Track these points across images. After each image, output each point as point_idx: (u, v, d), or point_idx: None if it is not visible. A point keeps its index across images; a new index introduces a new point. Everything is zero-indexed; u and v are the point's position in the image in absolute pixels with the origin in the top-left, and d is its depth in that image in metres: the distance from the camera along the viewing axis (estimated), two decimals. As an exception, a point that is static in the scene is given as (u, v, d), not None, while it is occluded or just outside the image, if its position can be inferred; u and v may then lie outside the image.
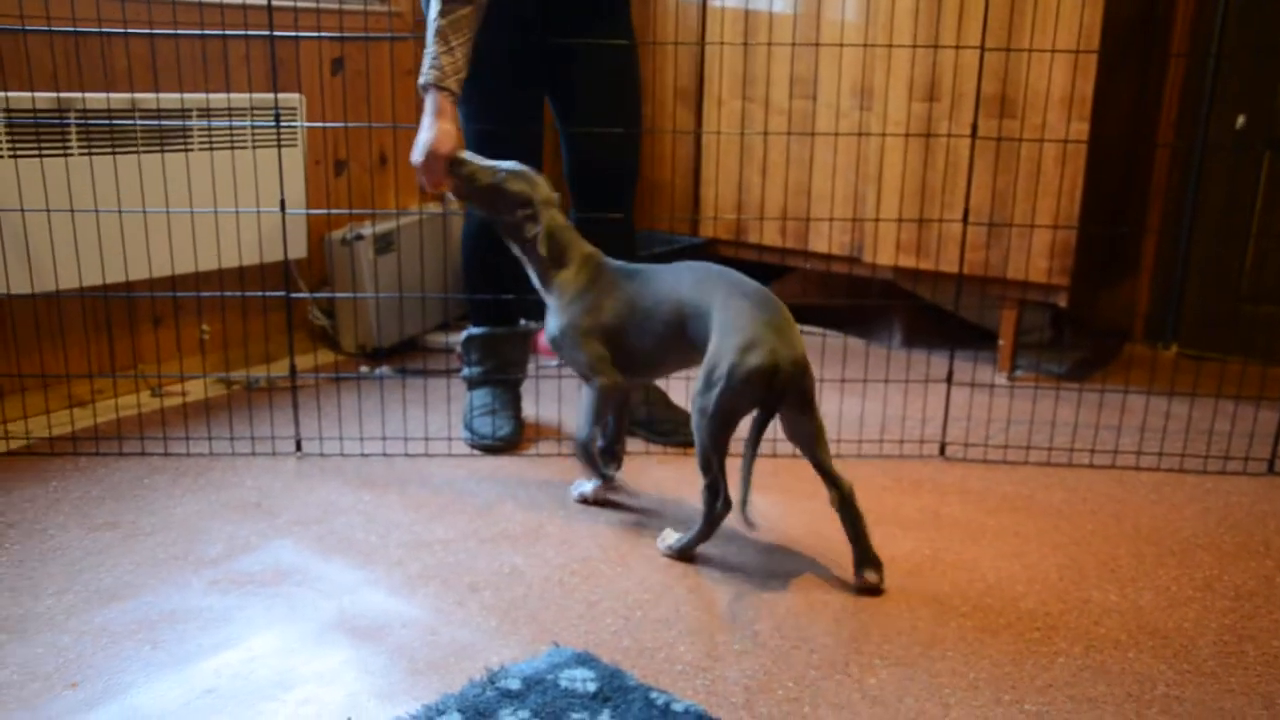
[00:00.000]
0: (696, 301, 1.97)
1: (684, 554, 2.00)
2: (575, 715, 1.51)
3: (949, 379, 2.60)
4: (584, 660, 1.65)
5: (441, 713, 1.51)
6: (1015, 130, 2.94)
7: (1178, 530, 2.19)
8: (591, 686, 1.58)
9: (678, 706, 1.53)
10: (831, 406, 2.86)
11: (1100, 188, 3.01)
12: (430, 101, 2.17)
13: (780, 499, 2.29)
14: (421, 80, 2.17)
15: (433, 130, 2.15)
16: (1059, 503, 2.30)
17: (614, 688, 1.57)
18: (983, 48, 2.48)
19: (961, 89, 3.00)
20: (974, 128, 2.56)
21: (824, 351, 3.33)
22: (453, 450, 2.51)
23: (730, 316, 1.89)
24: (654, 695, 1.56)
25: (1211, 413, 2.87)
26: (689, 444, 2.56)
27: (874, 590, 1.90)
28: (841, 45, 2.85)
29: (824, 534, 2.12)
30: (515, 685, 1.58)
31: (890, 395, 2.98)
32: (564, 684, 1.58)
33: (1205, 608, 1.88)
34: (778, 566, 1.99)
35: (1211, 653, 1.73)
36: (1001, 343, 3.16)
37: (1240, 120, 3.25)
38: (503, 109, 2.41)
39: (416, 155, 2.18)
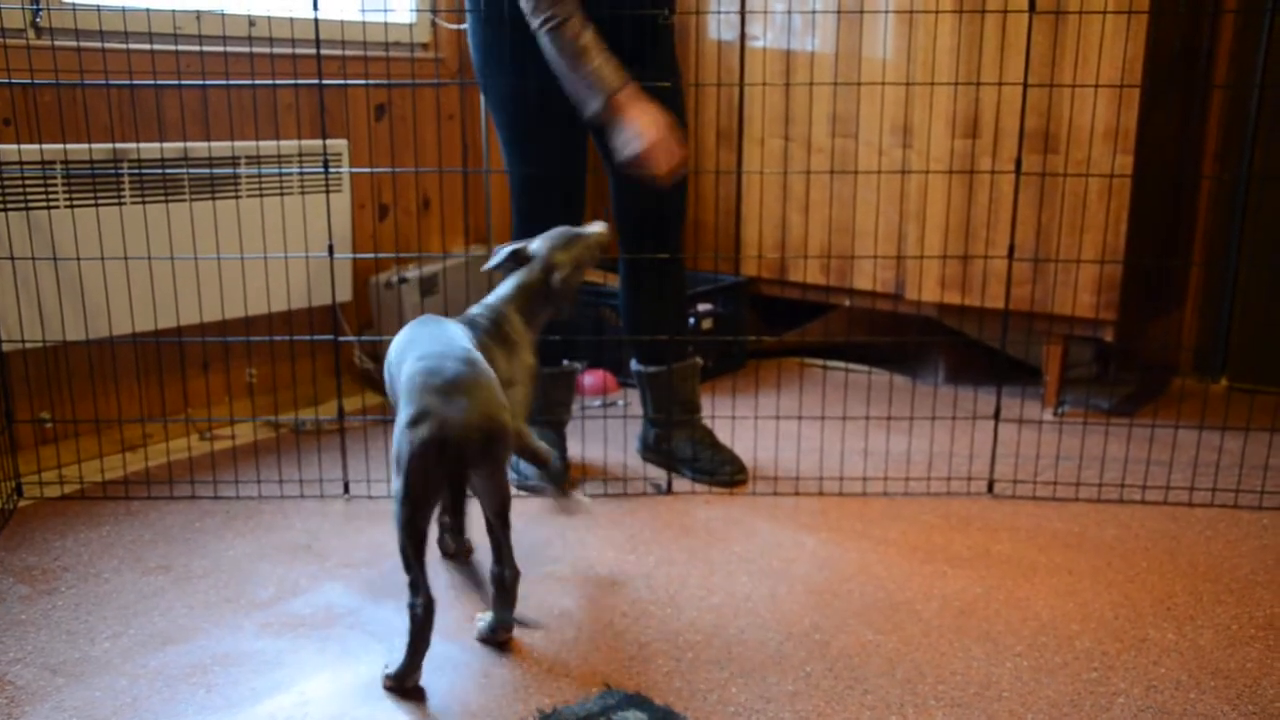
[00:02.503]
0: (393, 372, 1.85)
1: (401, 682, 1.70)
2: (629, 758, 1.50)
3: (996, 415, 2.58)
4: (636, 702, 1.64)
5: (495, 756, 1.51)
6: (1058, 165, 2.93)
7: (1235, 567, 2.15)
8: (644, 729, 1.57)
9: (732, 749, 1.52)
10: (878, 444, 2.84)
11: (1145, 221, 2.99)
12: (629, 94, 2.18)
13: (839, 537, 2.27)
14: (609, 87, 2.17)
15: (651, 110, 2.18)
16: (1111, 539, 2.27)
17: (667, 730, 1.56)
18: (1025, 84, 2.48)
19: (1003, 124, 3.00)
20: (1018, 163, 2.55)
21: (870, 389, 3.32)
22: (499, 491, 2.52)
23: (404, 387, 1.70)
24: (708, 738, 1.54)
25: (1266, 447, 2.82)
26: (732, 483, 2.55)
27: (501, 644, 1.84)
28: (883, 84, 2.86)
29: (874, 574, 2.11)
30: (568, 728, 1.57)
31: (937, 432, 2.96)
32: (617, 726, 1.57)
33: (1268, 647, 1.84)
34: (829, 608, 1.97)
35: (1277, 694, 1.70)
36: (1047, 378, 3.14)
37: (1286, 151, 3.22)
38: (545, 150, 2.43)
39: (650, 134, 2.17)
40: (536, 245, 2.12)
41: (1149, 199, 2.99)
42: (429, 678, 1.72)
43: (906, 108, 3.16)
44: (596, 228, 2.18)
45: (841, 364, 3.61)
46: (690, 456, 2.61)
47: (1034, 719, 1.62)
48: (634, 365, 2.66)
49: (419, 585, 1.65)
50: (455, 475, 1.64)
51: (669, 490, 2.54)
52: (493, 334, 1.99)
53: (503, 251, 2.13)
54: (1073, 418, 3.09)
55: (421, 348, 1.75)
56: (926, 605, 1.98)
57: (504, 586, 1.78)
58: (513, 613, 1.82)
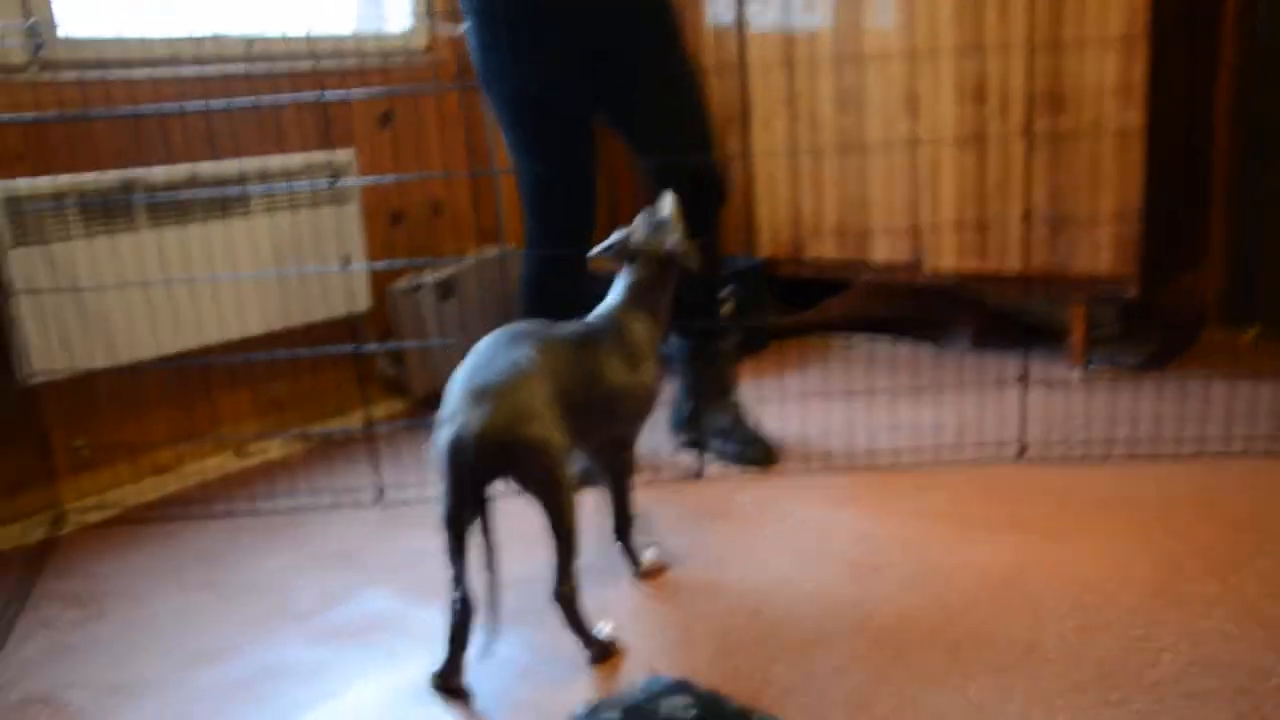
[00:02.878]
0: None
1: (446, 681, 1.71)
2: (679, 744, 1.51)
3: (1023, 379, 2.57)
4: (682, 687, 1.64)
5: (545, 750, 1.52)
6: (1069, 125, 2.90)
7: (1276, 516, 2.13)
8: (692, 713, 1.57)
9: (781, 728, 1.52)
10: (906, 416, 2.83)
11: (1161, 175, 2.96)
12: None
13: (873, 511, 2.27)
14: None
15: None
16: (1147, 497, 2.26)
17: (715, 713, 1.57)
18: (1031, 44, 2.46)
19: (1010, 88, 2.98)
20: (1028, 126, 2.53)
21: (895, 361, 3.31)
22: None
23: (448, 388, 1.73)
24: (755, 718, 1.55)
25: (1297, 393, 2.80)
26: (766, 461, 2.55)
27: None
28: (885, 56, 2.85)
29: (911, 545, 2.10)
30: (616, 716, 1.58)
31: (964, 401, 2.94)
32: (664, 712, 1.58)
33: (1312, 592, 1.83)
34: (868, 581, 1.97)
35: (1324, 638, 1.69)
36: (1073, 339, 3.12)
37: (1299, 94, 3.19)
38: (551, 148, 2.41)
39: None
40: (637, 238, 2.01)
41: (1164, 152, 2.96)
42: (475, 676, 1.73)
43: (911, 77, 3.15)
44: (668, 201, 2.06)
45: (865, 337, 3.59)
46: (725, 431, 2.61)
47: (1080, 679, 1.62)
48: (679, 347, 2.67)
49: (458, 580, 1.67)
50: (474, 480, 1.63)
51: (701, 475, 2.54)
52: (615, 343, 1.91)
53: (607, 242, 2.04)
54: (1101, 377, 3.07)
55: (481, 354, 1.74)
56: (965, 574, 1.98)
57: (556, 602, 1.74)
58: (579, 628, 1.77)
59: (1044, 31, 2.87)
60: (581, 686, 1.69)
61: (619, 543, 2.06)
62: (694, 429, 2.65)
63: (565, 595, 1.72)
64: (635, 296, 1.98)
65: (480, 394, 1.65)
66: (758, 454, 2.57)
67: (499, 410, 1.63)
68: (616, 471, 2.03)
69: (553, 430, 1.67)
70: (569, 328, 1.90)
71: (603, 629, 1.80)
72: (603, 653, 1.77)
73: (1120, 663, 1.66)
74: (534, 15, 2.33)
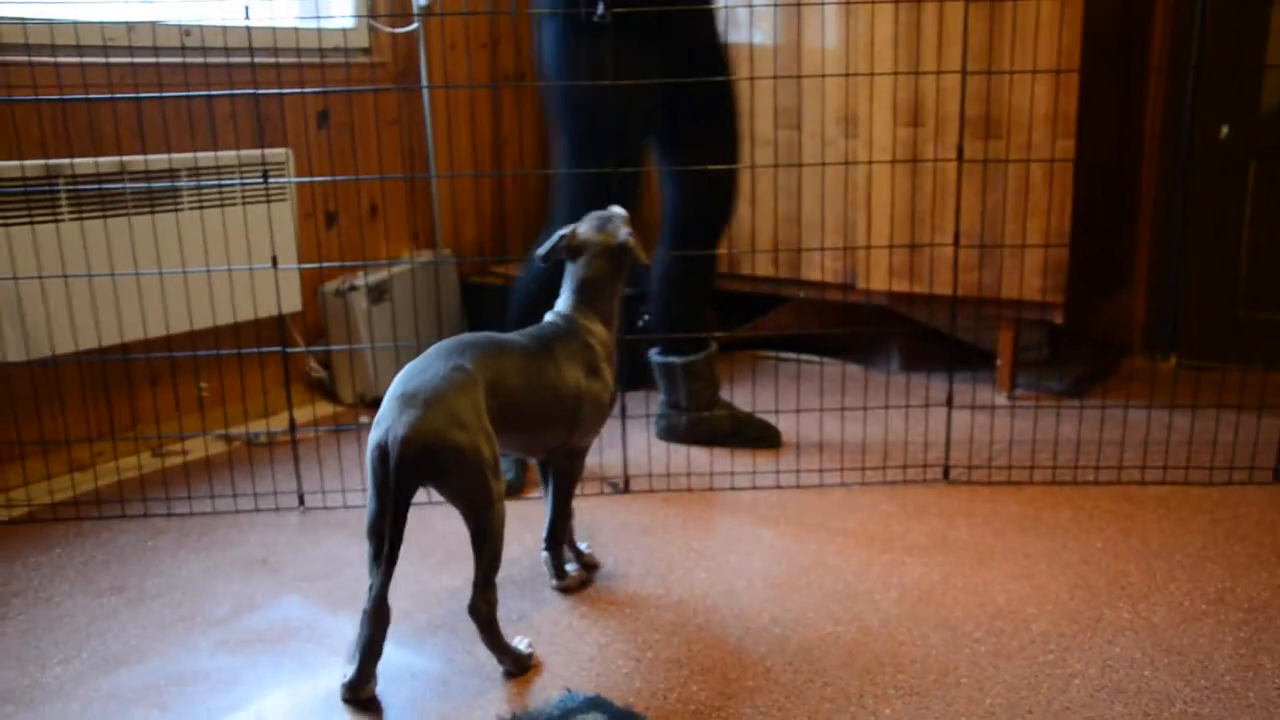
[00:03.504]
0: None
1: (356, 693, 1.68)
2: (590, 762, 1.50)
3: (949, 402, 2.60)
4: (596, 704, 1.63)
5: (455, 766, 1.50)
6: (1001, 151, 2.95)
7: (1187, 544, 2.18)
8: (605, 731, 1.56)
9: (693, 748, 1.52)
10: (834, 434, 2.85)
11: (1090, 203, 3.02)
12: None
13: (797, 530, 2.28)
14: None
15: None
16: (1066, 521, 2.30)
17: (628, 732, 1.56)
18: (964, 71, 2.50)
19: (945, 112, 3.02)
20: (960, 150, 2.57)
21: (823, 380, 3.33)
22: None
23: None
24: (669, 737, 1.54)
25: (1214, 423, 2.86)
26: (779, 445, 2.79)
27: None
28: (824, 76, 2.87)
29: (832, 565, 2.11)
30: (528, 734, 1.56)
31: (891, 421, 2.97)
32: (578, 730, 1.57)
33: (1219, 621, 1.87)
34: (788, 601, 1.98)
35: (1228, 667, 1.72)
36: (1000, 363, 3.16)
37: (1224, 131, 3.27)
38: (617, 157, 2.45)
39: None
40: (584, 231, 2.00)
41: (1092, 182, 3.02)
42: (388, 687, 1.71)
43: (849, 97, 3.17)
44: (615, 208, 2.07)
45: (795, 356, 3.62)
46: (733, 431, 2.79)
47: (991, 704, 1.64)
48: (658, 357, 2.78)
49: (372, 588, 1.64)
50: (398, 486, 1.61)
51: (626, 489, 2.53)
52: (572, 348, 1.91)
53: (552, 239, 2.01)
54: (1026, 401, 3.12)
55: (418, 363, 1.72)
56: (885, 594, 1.99)
57: (472, 616, 1.72)
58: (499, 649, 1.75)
59: (979, 59, 2.91)
60: (495, 701, 1.67)
61: (546, 552, 2.05)
62: (699, 432, 2.81)
63: (482, 610, 1.70)
64: (587, 296, 1.97)
65: (409, 400, 1.63)
66: (771, 439, 2.78)
67: (425, 417, 1.61)
68: (564, 479, 2.02)
69: (480, 439, 1.65)
70: (522, 335, 1.89)
71: (521, 642, 1.78)
72: (519, 666, 1.75)
73: (1031, 688, 1.68)
74: (646, 32, 2.42)
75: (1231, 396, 3.06)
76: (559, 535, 2.04)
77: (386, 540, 1.62)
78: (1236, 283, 3.33)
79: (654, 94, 2.48)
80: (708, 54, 2.57)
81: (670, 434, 2.85)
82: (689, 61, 2.53)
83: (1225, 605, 1.92)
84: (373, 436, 1.64)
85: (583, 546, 2.12)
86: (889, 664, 1.75)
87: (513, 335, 1.87)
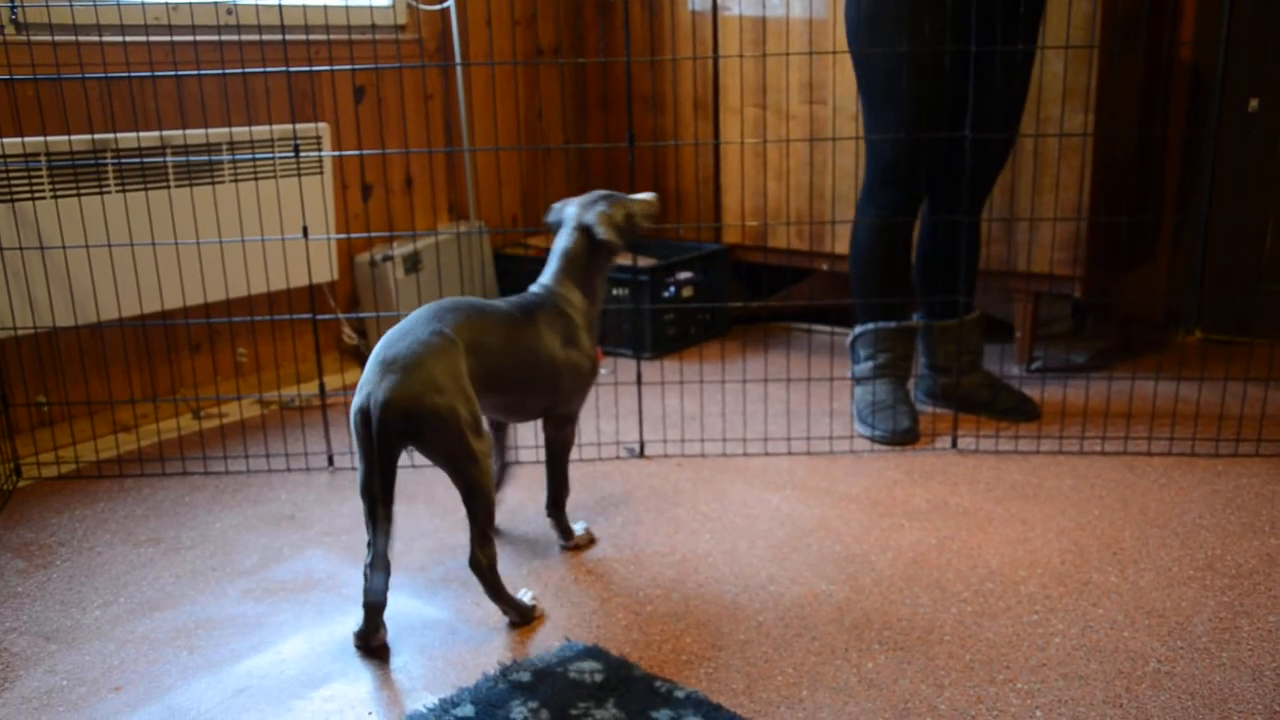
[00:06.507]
0: None
1: (365, 640, 1.79)
2: (582, 704, 1.59)
3: (961, 372, 2.64)
4: (593, 653, 1.73)
5: (456, 705, 1.60)
6: (1024, 125, 2.97)
7: (1184, 513, 2.22)
8: (599, 678, 1.65)
9: (680, 693, 1.61)
10: (843, 404, 2.91)
11: (1111, 177, 3.04)
12: None
13: (803, 494, 2.35)
14: None
15: None
16: (1067, 489, 2.35)
17: (620, 678, 1.65)
18: (996, 47, 2.52)
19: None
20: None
21: (833, 350, 3.39)
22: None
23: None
24: (658, 684, 1.63)
25: (1224, 396, 2.88)
26: (1033, 418, 2.78)
27: None
28: (854, 52, 2.90)
29: (833, 529, 2.19)
30: (526, 678, 1.66)
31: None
32: (573, 675, 1.66)
33: (1204, 586, 1.92)
34: (786, 561, 2.06)
35: (1206, 629, 1.77)
36: (1019, 335, 3.20)
37: (1254, 104, 3.26)
38: (919, 114, 2.53)
39: None
40: (570, 209, 2.11)
41: (1114, 155, 3.04)
42: (399, 635, 1.82)
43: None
44: (643, 196, 2.16)
45: (825, 327, 3.67)
46: (989, 400, 2.81)
47: (971, 659, 1.71)
48: (918, 319, 2.85)
49: (371, 545, 1.73)
50: (382, 449, 1.68)
51: (642, 454, 2.62)
52: (551, 317, 2.00)
53: (551, 211, 2.14)
54: (1044, 373, 3.15)
55: (399, 328, 1.80)
56: (880, 556, 2.06)
57: (473, 569, 1.81)
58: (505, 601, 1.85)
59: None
60: (499, 649, 1.77)
61: (550, 516, 2.14)
62: (953, 397, 2.83)
63: (481, 563, 1.79)
64: (566, 266, 2.07)
65: (389, 366, 1.71)
66: (1029, 410, 2.78)
67: (404, 381, 1.69)
68: (556, 445, 2.11)
69: (457, 400, 1.73)
70: (503, 303, 1.98)
71: (525, 594, 1.88)
72: (523, 617, 1.85)
73: (1012, 645, 1.74)
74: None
75: (1252, 370, 3.06)
76: (559, 501, 2.14)
77: (379, 499, 1.71)
78: (1263, 256, 3.32)
79: (941, 55, 2.49)
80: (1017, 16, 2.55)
81: (929, 396, 2.91)
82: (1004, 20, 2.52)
83: (1213, 571, 1.97)
84: (355, 401, 1.71)
85: (578, 528, 2.17)
86: (877, 621, 1.83)
87: (497, 301, 1.97)
